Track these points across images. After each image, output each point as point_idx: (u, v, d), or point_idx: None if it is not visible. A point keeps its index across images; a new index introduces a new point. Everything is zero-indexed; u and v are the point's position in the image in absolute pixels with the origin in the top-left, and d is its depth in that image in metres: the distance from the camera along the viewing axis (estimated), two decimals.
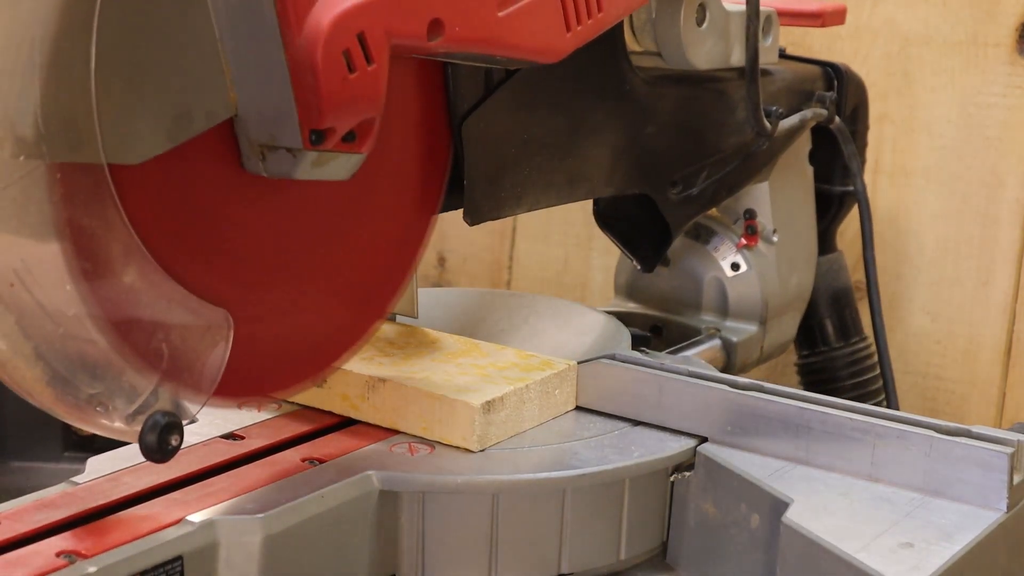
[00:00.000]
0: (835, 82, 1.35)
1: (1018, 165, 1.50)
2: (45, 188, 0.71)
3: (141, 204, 0.77)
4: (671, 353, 1.16)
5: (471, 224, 0.97)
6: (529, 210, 1.02)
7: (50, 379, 0.74)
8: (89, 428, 0.78)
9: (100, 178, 0.73)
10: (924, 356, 1.56)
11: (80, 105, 0.71)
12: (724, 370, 1.26)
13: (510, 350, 1.02)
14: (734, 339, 1.27)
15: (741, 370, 1.29)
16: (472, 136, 0.95)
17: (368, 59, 0.79)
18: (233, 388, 0.86)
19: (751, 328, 1.29)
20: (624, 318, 1.26)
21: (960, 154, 1.53)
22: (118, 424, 0.77)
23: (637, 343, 1.09)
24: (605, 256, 1.70)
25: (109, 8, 0.71)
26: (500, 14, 0.86)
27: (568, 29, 0.92)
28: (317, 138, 0.79)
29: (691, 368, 0.99)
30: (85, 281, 0.74)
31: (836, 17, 1.36)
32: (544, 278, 1.76)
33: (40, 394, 0.74)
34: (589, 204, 1.16)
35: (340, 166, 0.84)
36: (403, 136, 0.93)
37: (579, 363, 1.01)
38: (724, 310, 1.29)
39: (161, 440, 0.77)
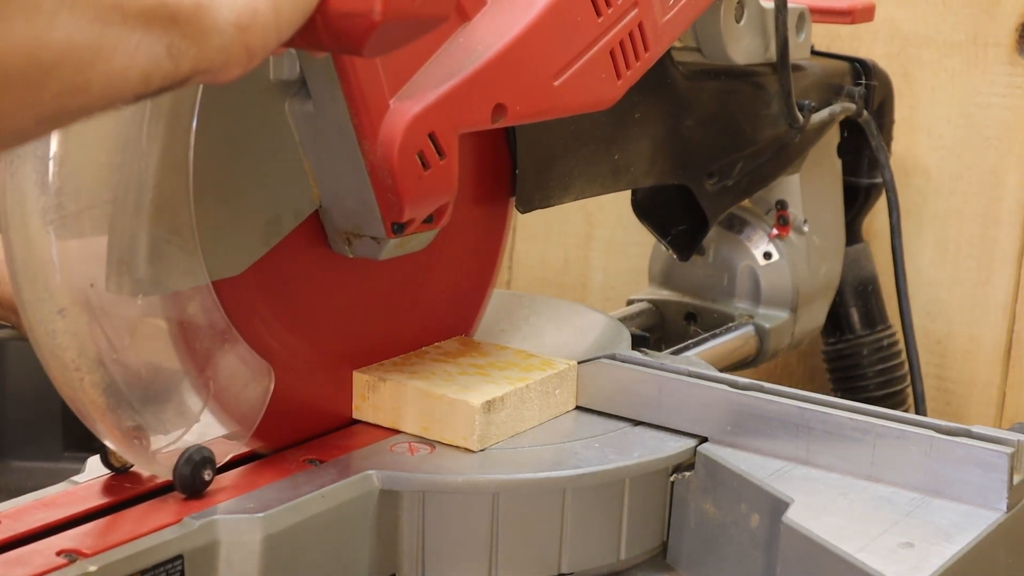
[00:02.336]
0: (863, 77, 1.39)
1: (1018, 165, 1.50)
2: None
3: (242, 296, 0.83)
4: (696, 344, 1.21)
5: (522, 212, 1.01)
6: (576, 199, 1.06)
7: (107, 387, 0.75)
8: (125, 454, 0.79)
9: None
10: (924, 356, 1.56)
11: (184, 238, 0.76)
12: (757, 355, 1.32)
13: (510, 350, 1.02)
14: (767, 325, 1.32)
15: (773, 355, 1.34)
16: (524, 128, 0.98)
17: (440, 154, 0.83)
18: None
19: (783, 315, 1.33)
20: (659, 305, 1.33)
21: (960, 154, 1.53)
22: (154, 452, 0.79)
23: (637, 343, 1.09)
24: (605, 256, 1.70)
25: (201, 141, 0.75)
26: (556, 83, 0.90)
27: (619, 77, 0.95)
28: (399, 228, 0.85)
29: (691, 368, 0.99)
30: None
31: (865, 14, 1.40)
32: (544, 278, 1.75)
33: (93, 402, 0.75)
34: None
35: (420, 242, 0.90)
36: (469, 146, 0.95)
37: (579, 363, 1.01)
38: (757, 297, 1.33)
39: (195, 474, 0.80)
